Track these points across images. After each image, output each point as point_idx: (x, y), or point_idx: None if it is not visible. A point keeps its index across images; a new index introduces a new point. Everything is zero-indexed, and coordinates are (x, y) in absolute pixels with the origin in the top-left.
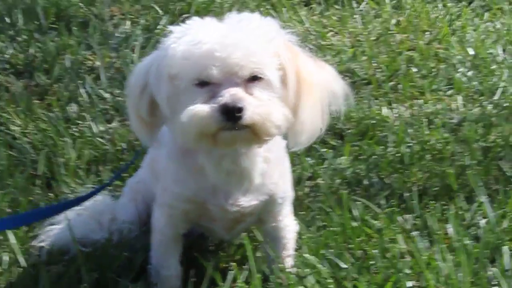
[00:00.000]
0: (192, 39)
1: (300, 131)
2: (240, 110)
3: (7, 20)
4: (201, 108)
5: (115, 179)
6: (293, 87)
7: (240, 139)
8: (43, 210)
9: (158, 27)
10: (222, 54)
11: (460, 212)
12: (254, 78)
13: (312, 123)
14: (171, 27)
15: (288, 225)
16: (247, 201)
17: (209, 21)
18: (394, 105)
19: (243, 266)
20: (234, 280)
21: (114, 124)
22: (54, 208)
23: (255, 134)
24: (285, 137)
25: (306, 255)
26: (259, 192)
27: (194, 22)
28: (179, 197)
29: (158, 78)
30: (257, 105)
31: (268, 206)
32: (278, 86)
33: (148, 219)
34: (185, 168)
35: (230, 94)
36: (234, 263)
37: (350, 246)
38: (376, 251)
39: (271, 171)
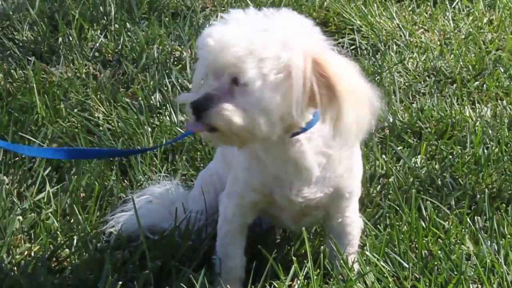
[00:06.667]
0: (207, 31)
1: (347, 133)
2: (201, 109)
3: (101, 9)
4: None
5: (174, 141)
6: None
7: (213, 138)
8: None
9: None
10: (212, 52)
11: None
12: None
13: (358, 125)
14: None
15: (354, 221)
16: (312, 193)
17: (236, 15)
18: (477, 105)
19: (305, 261)
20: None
21: None
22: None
23: (227, 136)
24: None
25: (368, 253)
26: (324, 185)
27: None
28: (248, 186)
29: None
30: (220, 109)
31: (335, 201)
32: (261, 93)
33: (216, 211)
34: (251, 157)
35: (205, 93)
36: (295, 258)
37: (416, 245)
38: (441, 252)
39: (334, 165)
